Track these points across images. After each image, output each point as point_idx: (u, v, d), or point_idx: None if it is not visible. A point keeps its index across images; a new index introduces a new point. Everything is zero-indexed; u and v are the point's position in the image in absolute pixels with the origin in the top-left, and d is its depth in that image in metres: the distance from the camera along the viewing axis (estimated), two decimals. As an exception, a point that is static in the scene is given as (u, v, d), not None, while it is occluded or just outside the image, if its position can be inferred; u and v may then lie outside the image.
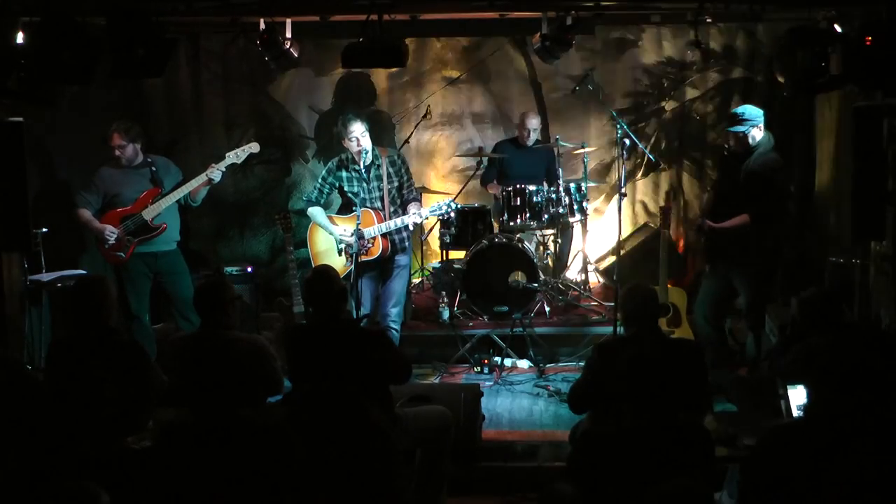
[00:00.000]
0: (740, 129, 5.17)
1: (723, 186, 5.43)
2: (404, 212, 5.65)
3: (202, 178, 5.64)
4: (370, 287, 5.63)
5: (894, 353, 3.47)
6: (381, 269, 5.70)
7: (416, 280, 7.38)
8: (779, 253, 5.50)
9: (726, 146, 5.47)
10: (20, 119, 4.96)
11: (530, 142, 7.07)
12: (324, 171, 5.74)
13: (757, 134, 5.19)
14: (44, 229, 5.79)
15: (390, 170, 5.63)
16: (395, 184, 5.67)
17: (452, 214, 6.22)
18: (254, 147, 5.82)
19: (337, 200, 6.18)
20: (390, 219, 5.57)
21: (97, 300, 4.02)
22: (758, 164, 5.13)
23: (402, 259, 5.76)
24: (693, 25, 5.63)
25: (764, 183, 5.11)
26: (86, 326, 4.01)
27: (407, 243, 5.80)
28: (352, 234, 5.45)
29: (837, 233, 6.28)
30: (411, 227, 5.73)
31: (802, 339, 3.80)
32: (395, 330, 5.68)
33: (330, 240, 5.72)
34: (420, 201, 5.84)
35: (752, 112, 5.21)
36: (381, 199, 5.59)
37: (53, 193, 6.51)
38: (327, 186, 5.69)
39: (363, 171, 5.55)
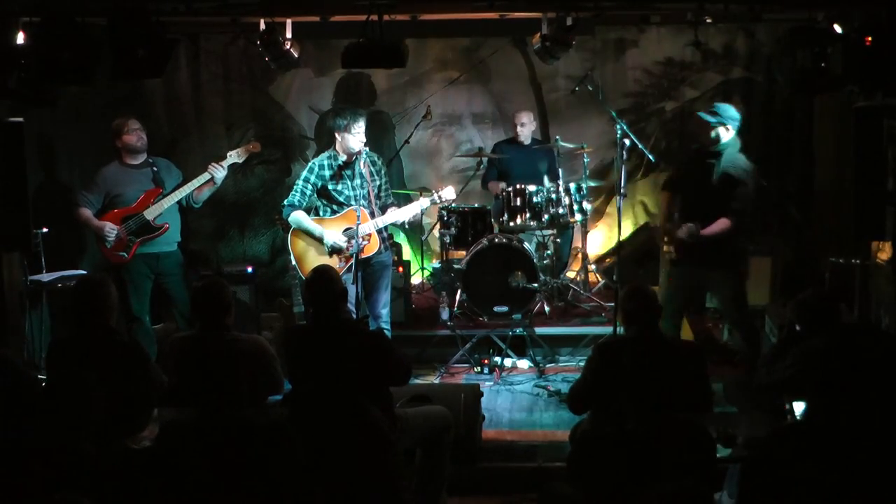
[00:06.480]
0: (710, 119, 5.10)
1: (690, 186, 5.35)
2: (384, 214, 5.55)
3: (204, 177, 5.63)
4: (353, 289, 5.41)
5: (894, 354, 3.47)
6: (365, 269, 5.50)
7: (416, 280, 7.38)
8: (747, 250, 5.48)
9: (695, 146, 5.46)
10: (20, 119, 4.96)
11: (526, 139, 7.08)
12: (305, 173, 5.53)
13: (723, 133, 5.10)
14: (44, 229, 5.80)
15: (372, 169, 5.53)
16: (377, 183, 5.57)
17: (452, 203, 6.15)
18: (255, 147, 5.83)
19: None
20: (376, 216, 5.50)
21: (98, 300, 4.01)
22: (731, 165, 5.05)
23: (385, 258, 5.65)
24: (693, 25, 5.63)
25: (738, 184, 5.03)
26: (86, 326, 4.01)
27: (387, 240, 5.72)
28: (345, 233, 5.40)
29: (838, 233, 6.28)
30: (412, 220, 5.68)
31: (799, 342, 3.80)
32: (388, 331, 5.62)
33: (313, 242, 5.53)
34: (398, 206, 5.66)
35: (728, 112, 5.12)
36: (367, 196, 5.50)
37: (53, 193, 6.51)
38: (310, 187, 5.50)
39: (349, 168, 5.48)
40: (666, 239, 5.39)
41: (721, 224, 5.01)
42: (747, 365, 5.35)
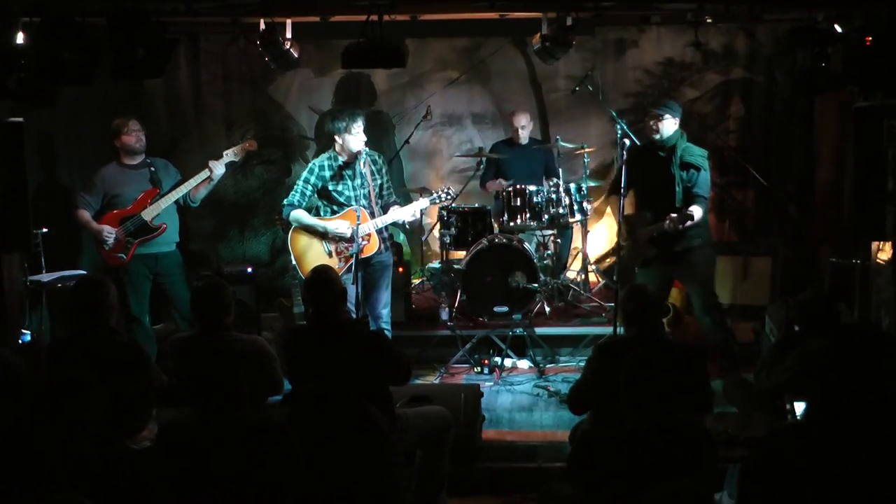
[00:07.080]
0: (657, 110, 5.28)
1: (649, 182, 5.41)
2: (385, 213, 5.55)
3: (202, 175, 5.64)
4: (353, 289, 5.41)
5: (894, 355, 3.47)
6: (366, 269, 5.50)
7: (416, 280, 7.38)
8: (710, 236, 5.60)
9: (632, 144, 5.54)
10: (20, 119, 4.97)
11: (523, 140, 7.08)
12: (305, 174, 5.54)
13: (669, 125, 5.25)
14: (44, 229, 5.80)
15: (372, 168, 5.52)
16: (378, 182, 5.57)
17: (452, 203, 6.14)
18: (251, 145, 5.82)
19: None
20: (376, 216, 5.48)
21: (97, 300, 4.02)
22: (687, 154, 5.22)
23: (385, 258, 5.65)
24: (693, 26, 5.63)
25: (698, 170, 5.19)
26: (86, 326, 4.01)
27: (388, 240, 5.73)
28: (347, 230, 5.39)
29: (837, 233, 6.28)
30: (413, 220, 5.67)
31: (798, 343, 3.80)
32: (388, 331, 5.61)
33: (313, 242, 5.54)
34: (400, 205, 5.67)
35: (674, 105, 5.35)
36: (367, 196, 5.50)
37: (53, 193, 6.51)
38: (310, 188, 5.50)
39: (349, 168, 5.47)
40: (632, 240, 5.46)
41: (696, 212, 5.10)
42: (719, 351, 5.40)
